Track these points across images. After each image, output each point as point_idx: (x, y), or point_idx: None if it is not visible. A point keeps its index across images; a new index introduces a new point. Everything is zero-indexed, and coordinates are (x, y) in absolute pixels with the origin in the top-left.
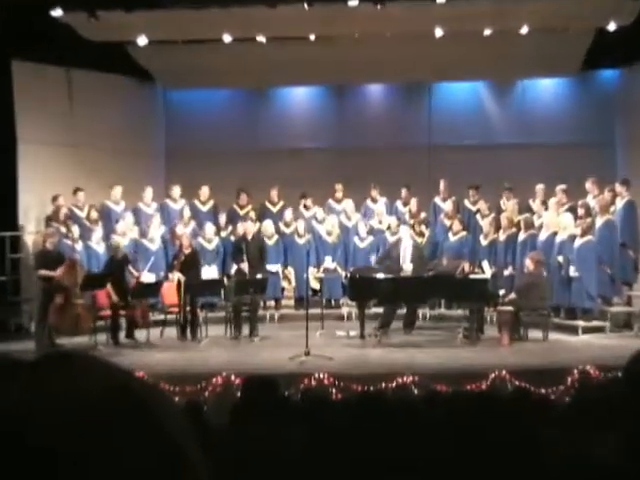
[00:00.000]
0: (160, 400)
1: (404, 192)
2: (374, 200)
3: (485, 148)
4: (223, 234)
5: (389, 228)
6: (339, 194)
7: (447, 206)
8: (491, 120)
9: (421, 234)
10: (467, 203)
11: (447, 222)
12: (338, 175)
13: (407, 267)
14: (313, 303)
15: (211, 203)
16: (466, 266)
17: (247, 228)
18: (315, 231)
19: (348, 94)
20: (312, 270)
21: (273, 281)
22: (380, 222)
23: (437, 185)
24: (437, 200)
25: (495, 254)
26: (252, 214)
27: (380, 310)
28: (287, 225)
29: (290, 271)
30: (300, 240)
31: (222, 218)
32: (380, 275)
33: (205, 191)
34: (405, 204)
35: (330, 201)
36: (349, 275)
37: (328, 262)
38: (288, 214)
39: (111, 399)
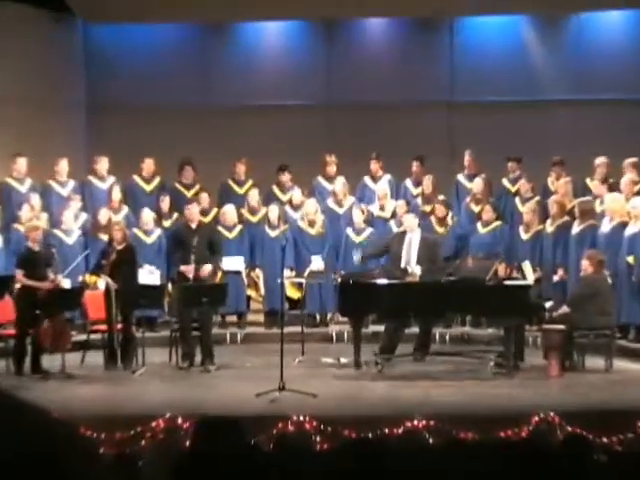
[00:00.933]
0: (80, 452)
1: (415, 166)
2: (375, 177)
3: (526, 107)
4: (167, 223)
5: (394, 216)
6: (331, 168)
7: (475, 186)
8: (535, 68)
9: (442, 222)
10: (504, 182)
11: (475, 208)
12: (326, 143)
13: (413, 270)
14: (291, 319)
15: (156, 181)
16: (500, 268)
17: (191, 214)
18: (292, 220)
19: (340, 32)
20: (289, 273)
21: (235, 288)
22: (382, 208)
23: (460, 157)
24: (461, 178)
25: (540, 252)
26: (204, 196)
27: (382, 329)
28: (252, 212)
29: (258, 274)
30: (272, 232)
31: (165, 202)
32: (382, 281)
33: (149, 164)
34: (417, 183)
35: (319, 179)
36: (339, 281)
37: (317, 263)
38: (254, 196)
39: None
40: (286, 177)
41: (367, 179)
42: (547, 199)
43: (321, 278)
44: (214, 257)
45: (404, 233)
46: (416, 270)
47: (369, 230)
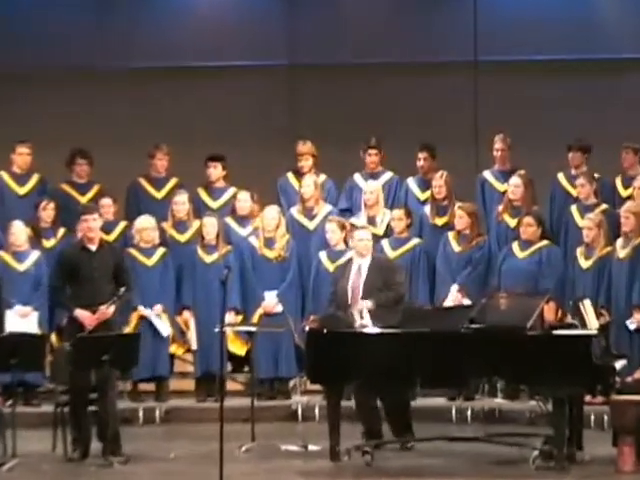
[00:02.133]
0: None
1: (422, 159)
2: (372, 174)
3: (584, 68)
4: (49, 243)
5: (388, 233)
6: (306, 162)
7: (511, 188)
8: (595, 20)
9: (466, 240)
10: (561, 179)
11: (510, 221)
12: (292, 124)
13: (362, 307)
14: (236, 387)
15: (33, 180)
16: (548, 310)
17: (88, 230)
18: (237, 239)
19: None
20: (233, 318)
21: (152, 341)
22: (371, 220)
23: (489, 144)
24: (488, 175)
25: (608, 286)
26: (106, 203)
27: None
28: (178, 227)
29: (187, 320)
30: (208, 257)
31: (47, 211)
32: (370, 329)
33: (23, 155)
34: (424, 183)
35: (288, 177)
36: (308, 330)
37: (272, 302)
38: (181, 203)
39: None
40: (217, 173)
41: (357, 177)
42: (617, 208)
43: (280, 325)
44: (123, 294)
45: (350, 261)
46: (366, 306)
47: (350, 253)
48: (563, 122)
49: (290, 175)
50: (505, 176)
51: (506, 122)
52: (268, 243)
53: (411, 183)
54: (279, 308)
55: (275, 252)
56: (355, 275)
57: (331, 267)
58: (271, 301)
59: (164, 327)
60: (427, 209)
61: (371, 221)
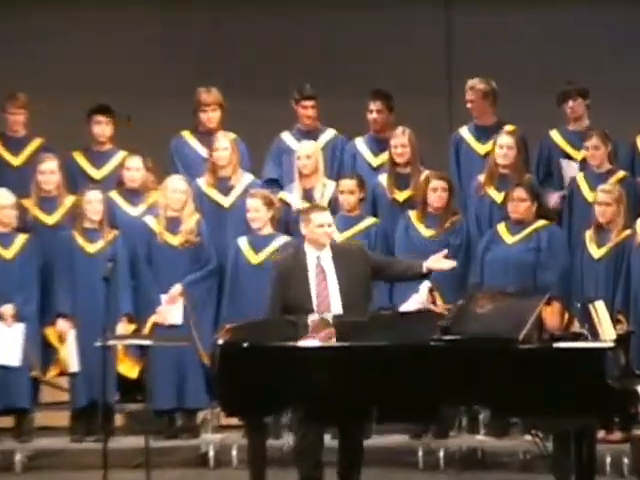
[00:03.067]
0: None
1: (374, 111)
2: (307, 132)
3: None
4: None
5: (331, 211)
6: (213, 115)
7: (502, 147)
8: None
9: (440, 219)
10: (556, 139)
11: (494, 194)
12: (193, 61)
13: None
14: (126, 421)
15: None
16: (549, 314)
17: None
18: (126, 220)
19: None
20: (122, 328)
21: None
22: (308, 194)
23: (460, 93)
24: (465, 133)
25: (627, 282)
26: None
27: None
28: (43, 204)
29: (63, 331)
30: (88, 245)
31: None
32: (309, 342)
33: None
34: (377, 144)
35: (184, 137)
36: (222, 344)
37: (167, 309)
38: (48, 172)
39: None
40: (104, 130)
41: (286, 137)
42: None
43: (185, 338)
44: None
45: (303, 254)
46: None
47: (281, 239)
48: (553, 65)
49: (187, 134)
50: (487, 133)
51: (486, 65)
52: (171, 226)
53: (360, 144)
54: (177, 315)
55: (181, 237)
56: (318, 275)
57: (254, 258)
58: (172, 305)
59: (12, 352)
60: (382, 179)
61: (308, 195)
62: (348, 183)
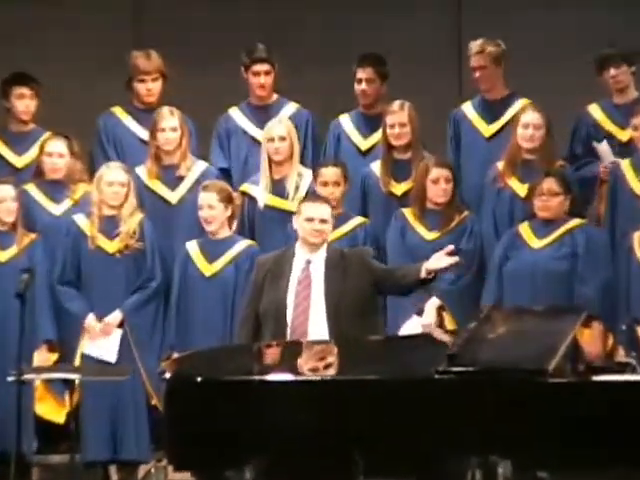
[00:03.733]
0: None
1: (365, 79)
2: (258, 103)
3: None
4: None
5: None
6: (154, 85)
7: (527, 127)
8: None
9: (446, 216)
10: (595, 114)
11: (516, 185)
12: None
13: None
14: (48, 475)
15: None
16: (589, 336)
17: None
18: (47, 221)
19: None
20: (43, 357)
21: None
22: (276, 187)
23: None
24: (469, 110)
25: None
26: None
27: None
28: None
29: None
30: (0, 252)
31: None
32: (281, 376)
33: None
34: (367, 122)
35: (117, 114)
36: (169, 378)
37: (101, 342)
38: None
39: None
40: (27, 105)
41: (236, 114)
42: None
43: (122, 371)
44: None
45: (291, 255)
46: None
47: (241, 244)
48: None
49: (119, 111)
50: (495, 110)
51: (497, 24)
52: (106, 227)
53: (345, 122)
54: (112, 350)
55: (119, 242)
56: (302, 282)
57: (208, 269)
58: (103, 335)
59: None
60: (374, 167)
61: (279, 188)
62: (330, 172)
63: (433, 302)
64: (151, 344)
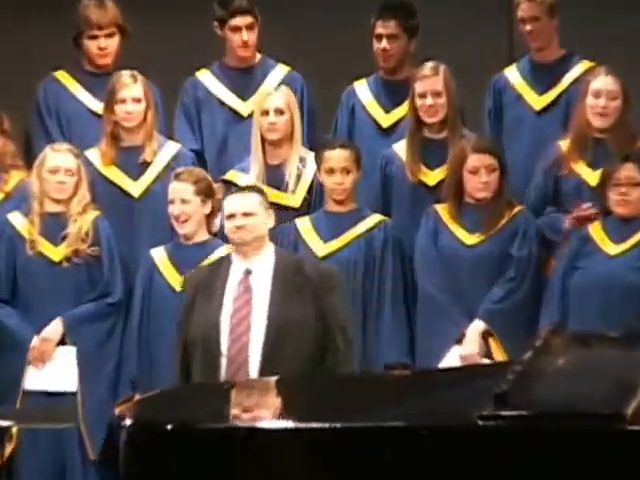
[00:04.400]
0: None
1: (387, 34)
2: (238, 64)
3: None
4: None
5: (307, 203)
6: (111, 43)
7: (599, 96)
8: None
9: (493, 218)
10: None
11: (584, 171)
12: None
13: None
14: None
15: None
16: None
17: None
18: None
19: None
20: None
21: None
22: (279, 172)
23: None
24: (513, 75)
25: None
26: None
27: None
28: None
29: None
30: None
31: None
32: (274, 422)
33: None
34: (394, 83)
35: (60, 79)
36: (124, 424)
37: (43, 358)
38: None
39: None
40: None
41: (207, 79)
42: None
43: (66, 415)
44: None
45: (228, 262)
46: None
47: (221, 250)
48: None
49: (64, 76)
50: (548, 75)
51: None
52: (50, 228)
53: (362, 91)
54: (54, 371)
55: (66, 247)
56: (240, 297)
57: (179, 282)
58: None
59: None
60: (398, 148)
61: (274, 175)
62: (338, 156)
63: (476, 327)
64: (98, 375)
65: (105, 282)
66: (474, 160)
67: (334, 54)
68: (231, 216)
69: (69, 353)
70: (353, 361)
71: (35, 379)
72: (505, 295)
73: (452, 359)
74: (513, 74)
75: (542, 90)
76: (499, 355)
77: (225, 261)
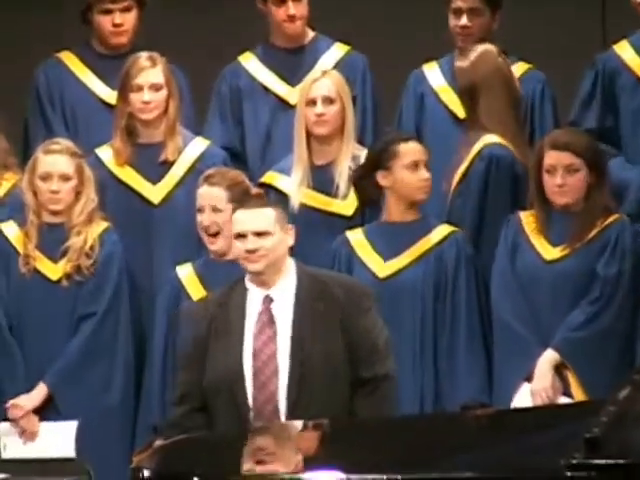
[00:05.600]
0: None
1: (467, 8)
2: (288, 44)
3: None
4: None
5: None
6: (119, 26)
7: None
8: None
9: (583, 229)
10: None
11: None
12: None
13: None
14: None
15: None
16: None
17: None
18: None
19: None
20: None
21: None
22: (328, 175)
23: None
24: (624, 53)
25: None
26: None
27: None
28: None
29: None
30: None
31: None
32: (322, 470)
33: None
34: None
35: (66, 62)
36: (151, 475)
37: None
38: None
39: None
40: None
41: (251, 63)
42: None
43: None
44: None
45: (242, 291)
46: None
47: None
48: None
49: (69, 58)
50: None
51: None
52: (48, 240)
53: (434, 76)
54: (46, 438)
55: (66, 263)
56: (263, 331)
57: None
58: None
59: None
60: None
61: (321, 178)
62: (418, 149)
63: (547, 357)
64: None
65: (104, 311)
66: (554, 156)
67: (398, 32)
68: (240, 236)
69: (60, 431)
70: (393, 400)
71: (16, 446)
72: (586, 320)
73: (524, 397)
74: (625, 50)
75: None
76: (578, 391)
77: (239, 286)
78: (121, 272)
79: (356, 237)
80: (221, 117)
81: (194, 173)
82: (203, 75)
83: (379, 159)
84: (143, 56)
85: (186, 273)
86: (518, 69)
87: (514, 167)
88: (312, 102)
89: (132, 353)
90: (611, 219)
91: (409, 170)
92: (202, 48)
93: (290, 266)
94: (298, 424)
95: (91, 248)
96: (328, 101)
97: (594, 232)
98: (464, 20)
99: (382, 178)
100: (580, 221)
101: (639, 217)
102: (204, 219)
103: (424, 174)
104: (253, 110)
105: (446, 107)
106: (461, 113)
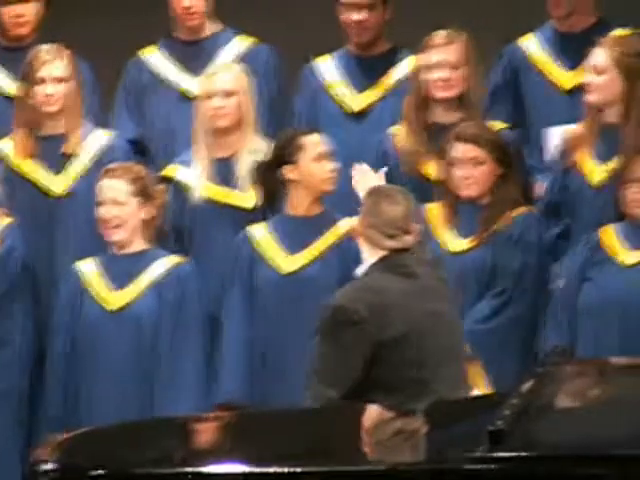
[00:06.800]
0: None
1: None
2: (191, 35)
3: None
4: None
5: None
6: (20, 16)
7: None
8: None
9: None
10: None
11: (588, 165)
12: None
13: None
14: None
15: None
16: None
17: None
18: None
19: None
20: None
21: None
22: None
23: None
24: (530, 44)
25: None
26: None
27: None
28: None
29: None
30: None
31: None
32: (232, 462)
33: None
34: (367, 62)
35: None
36: (51, 469)
37: None
38: None
39: None
40: None
41: (152, 57)
42: None
43: None
44: None
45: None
46: None
47: (164, 261)
48: None
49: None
50: (574, 46)
51: None
52: None
53: (326, 68)
54: None
55: None
56: None
57: (111, 301)
58: None
59: None
60: (389, 136)
61: (222, 170)
62: (323, 140)
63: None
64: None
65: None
66: (459, 149)
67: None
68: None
69: None
70: None
71: None
72: (491, 313)
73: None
74: (532, 44)
75: (569, 64)
76: (481, 385)
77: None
78: (23, 267)
79: (259, 232)
80: (127, 110)
81: (97, 165)
82: (111, 68)
83: (283, 153)
84: (46, 48)
85: (88, 268)
86: None
87: None
88: (211, 95)
89: (31, 346)
90: (519, 211)
91: (315, 162)
92: (109, 42)
93: None
94: (201, 416)
95: None
96: (226, 94)
97: (501, 224)
98: (359, 15)
99: (288, 172)
100: (487, 213)
101: (549, 216)
102: (104, 212)
103: (330, 165)
104: (156, 103)
105: (340, 101)
106: (356, 106)
